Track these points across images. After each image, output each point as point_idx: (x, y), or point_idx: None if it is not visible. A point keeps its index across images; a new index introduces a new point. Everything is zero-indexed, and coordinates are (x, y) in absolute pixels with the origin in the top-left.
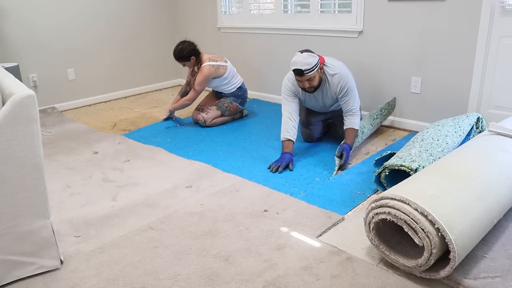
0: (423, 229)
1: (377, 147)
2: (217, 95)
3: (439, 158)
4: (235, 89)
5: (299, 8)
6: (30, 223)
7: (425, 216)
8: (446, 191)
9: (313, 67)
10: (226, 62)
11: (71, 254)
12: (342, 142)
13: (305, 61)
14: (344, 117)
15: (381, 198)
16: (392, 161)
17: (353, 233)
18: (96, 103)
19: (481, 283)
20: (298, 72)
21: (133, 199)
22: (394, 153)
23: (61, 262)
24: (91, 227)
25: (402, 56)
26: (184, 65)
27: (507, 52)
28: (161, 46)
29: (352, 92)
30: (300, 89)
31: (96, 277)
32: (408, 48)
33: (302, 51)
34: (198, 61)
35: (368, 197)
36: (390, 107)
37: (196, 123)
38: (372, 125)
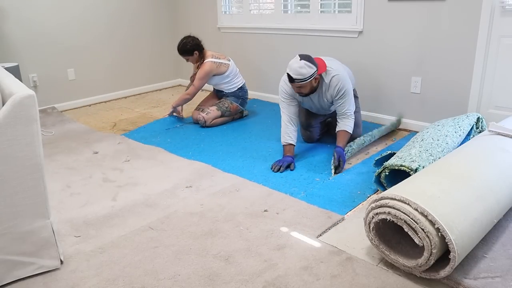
0: (423, 229)
1: (377, 147)
2: (217, 94)
3: (439, 158)
4: (236, 89)
5: (299, 8)
6: (30, 223)
7: (425, 216)
8: (446, 191)
9: (305, 78)
10: (229, 61)
11: (71, 254)
12: (335, 146)
13: (299, 71)
14: (337, 119)
15: (381, 198)
16: (392, 161)
17: (353, 233)
18: (96, 103)
19: (481, 283)
20: (290, 78)
21: (133, 199)
22: (394, 153)
23: (61, 262)
24: (91, 227)
25: (402, 56)
26: (187, 60)
27: (507, 52)
28: (161, 46)
29: (348, 95)
30: None
31: (96, 277)
32: (408, 48)
33: (302, 57)
34: (201, 57)
35: (368, 197)
36: (393, 127)
37: (196, 123)
38: (372, 137)
